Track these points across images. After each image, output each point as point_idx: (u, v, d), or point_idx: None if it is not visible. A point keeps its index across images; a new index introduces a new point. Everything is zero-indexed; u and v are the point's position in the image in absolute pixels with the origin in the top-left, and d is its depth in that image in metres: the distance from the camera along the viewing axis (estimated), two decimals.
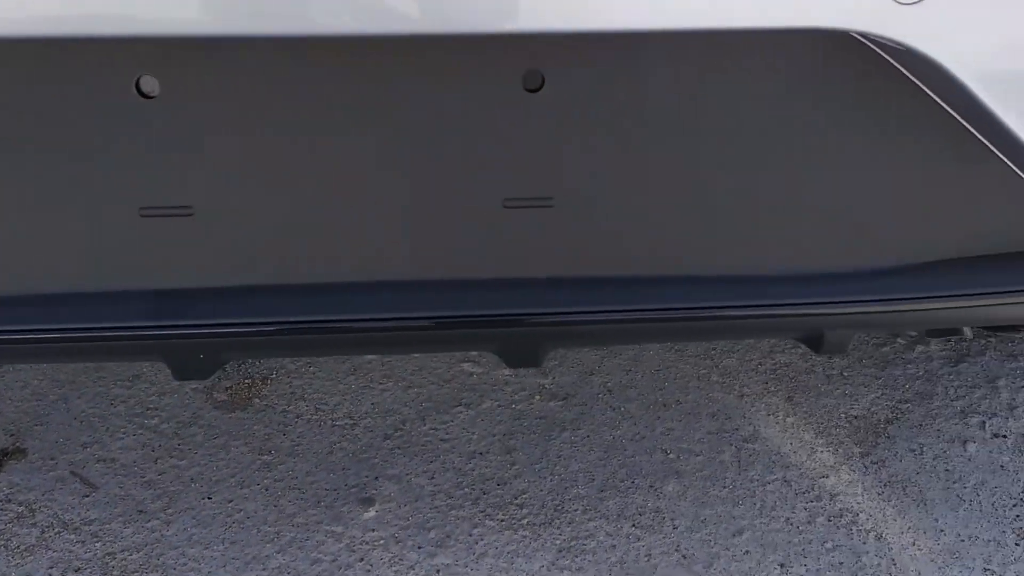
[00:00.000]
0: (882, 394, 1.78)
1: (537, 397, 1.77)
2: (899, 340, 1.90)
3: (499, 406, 1.75)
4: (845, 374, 1.82)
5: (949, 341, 1.91)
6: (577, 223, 0.92)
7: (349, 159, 0.90)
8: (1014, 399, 1.75)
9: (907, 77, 0.81)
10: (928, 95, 0.83)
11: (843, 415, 1.73)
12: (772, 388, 1.79)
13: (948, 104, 0.83)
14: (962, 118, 0.83)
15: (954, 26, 0.77)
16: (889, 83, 0.83)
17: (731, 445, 1.67)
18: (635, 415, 1.73)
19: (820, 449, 1.66)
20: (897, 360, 1.86)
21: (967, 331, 1.24)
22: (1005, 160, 0.88)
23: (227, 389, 1.78)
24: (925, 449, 1.66)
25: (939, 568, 1.45)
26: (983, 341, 1.89)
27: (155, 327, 0.89)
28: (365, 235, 0.91)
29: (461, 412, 1.74)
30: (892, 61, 0.81)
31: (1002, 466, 1.62)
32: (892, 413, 1.74)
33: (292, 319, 0.89)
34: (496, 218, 0.92)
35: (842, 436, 1.69)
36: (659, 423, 1.71)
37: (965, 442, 1.67)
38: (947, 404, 1.75)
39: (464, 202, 0.91)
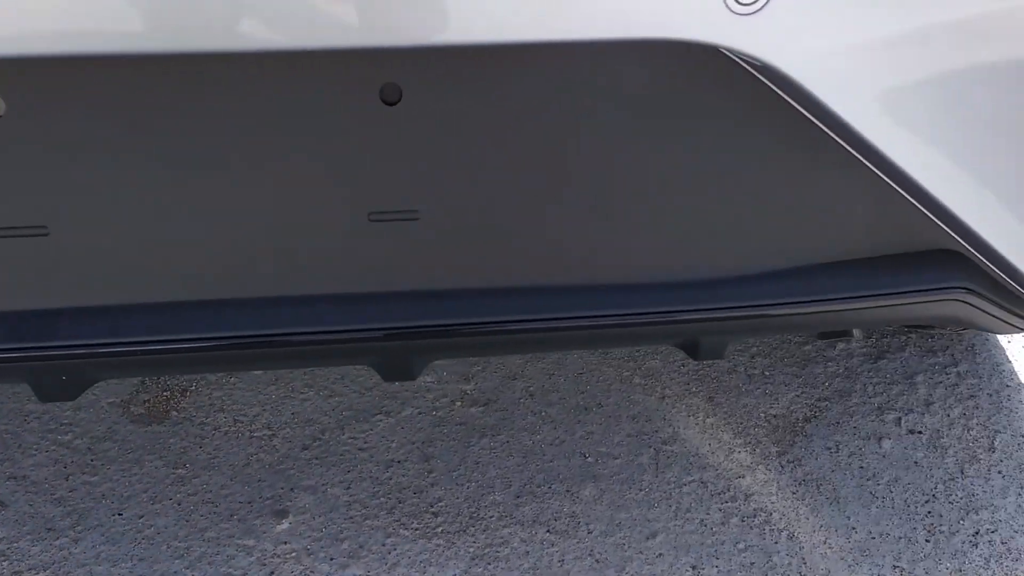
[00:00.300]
0: (802, 392, 1.79)
1: (458, 403, 1.77)
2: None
3: (419, 413, 1.74)
4: (767, 373, 1.83)
5: (871, 338, 1.92)
6: (444, 235, 0.92)
7: (209, 174, 0.89)
8: (931, 395, 1.77)
9: (755, 85, 0.81)
10: (779, 101, 0.83)
11: (762, 414, 1.74)
12: (694, 389, 1.80)
13: (798, 110, 0.83)
14: (813, 123, 0.83)
15: (794, 33, 0.77)
16: (739, 91, 0.83)
17: (650, 447, 1.67)
18: (556, 419, 1.73)
19: (738, 449, 1.67)
20: (818, 358, 1.87)
21: (856, 332, 1.24)
22: (865, 163, 0.88)
23: (145, 402, 1.76)
24: (841, 447, 1.67)
25: (849, 566, 1.46)
26: (903, 338, 1.91)
27: (15, 349, 0.88)
28: (227, 251, 0.90)
29: (381, 420, 1.73)
30: (740, 70, 0.81)
31: (916, 462, 1.63)
32: (811, 411, 1.75)
33: (152, 338, 0.88)
34: (362, 232, 0.91)
35: (760, 435, 1.69)
36: (579, 427, 1.71)
37: (880, 439, 1.68)
38: (865, 401, 1.76)
39: (329, 216, 0.91)
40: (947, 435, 1.68)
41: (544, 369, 1.84)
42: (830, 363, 1.85)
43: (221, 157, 0.88)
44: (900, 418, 1.72)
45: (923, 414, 1.73)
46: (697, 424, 1.72)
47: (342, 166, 0.89)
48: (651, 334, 0.97)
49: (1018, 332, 1.14)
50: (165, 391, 1.78)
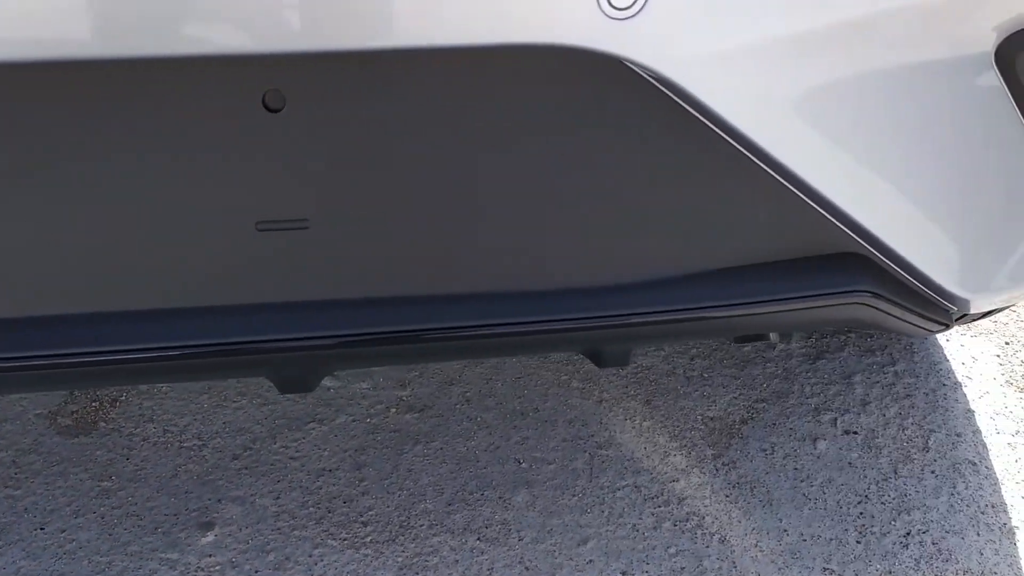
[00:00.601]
0: (740, 394, 1.78)
1: (393, 410, 1.75)
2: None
3: (353, 421, 1.72)
4: (705, 375, 1.83)
5: (810, 338, 1.92)
6: (336, 244, 0.90)
7: (93, 184, 0.87)
8: (868, 394, 1.77)
9: (643, 90, 0.80)
10: (668, 106, 0.81)
11: (700, 417, 1.73)
12: (632, 392, 1.78)
13: (686, 114, 0.82)
14: (702, 128, 0.82)
15: (674, 36, 0.76)
16: (629, 97, 0.82)
17: (585, 452, 1.66)
18: (491, 425, 1.71)
19: (674, 452, 1.66)
20: (757, 359, 1.86)
21: (773, 336, 1.24)
22: (761, 167, 0.87)
23: (72, 413, 1.73)
24: (776, 448, 1.66)
25: (779, 569, 1.46)
26: (843, 337, 1.90)
27: None
28: (111, 264, 0.87)
29: (314, 428, 1.70)
30: (628, 75, 0.79)
31: (850, 463, 1.63)
32: (748, 413, 1.74)
33: (35, 352, 0.86)
34: (250, 242, 0.89)
35: (696, 438, 1.69)
36: (515, 432, 1.70)
37: (816, 440, 1.68)
38: (802, 402, 1.76)
39: (215, 227, 0.88)
40: (882, 435, 1.68)
41: (482, 374, 1.82)
42: (769, 364, 1.85)
43: (102, 168, 0.86)
44: (836, 418, 1.72)
45: (859, 414, 1.73)
46: (634, 428, 1.71)
47: (227, 176, 0.87)
48: (549, 342, 0.95)
49: (925, 335, 1.14)
50: (94, 402, 1.75)
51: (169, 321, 0.89)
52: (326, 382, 1.80)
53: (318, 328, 0.91)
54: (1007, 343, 1.90)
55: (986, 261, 1.02)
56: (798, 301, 0.97)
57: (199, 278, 0.89)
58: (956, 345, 1.89)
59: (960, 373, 1.82)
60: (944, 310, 1.07)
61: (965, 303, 1.07)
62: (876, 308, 1.00)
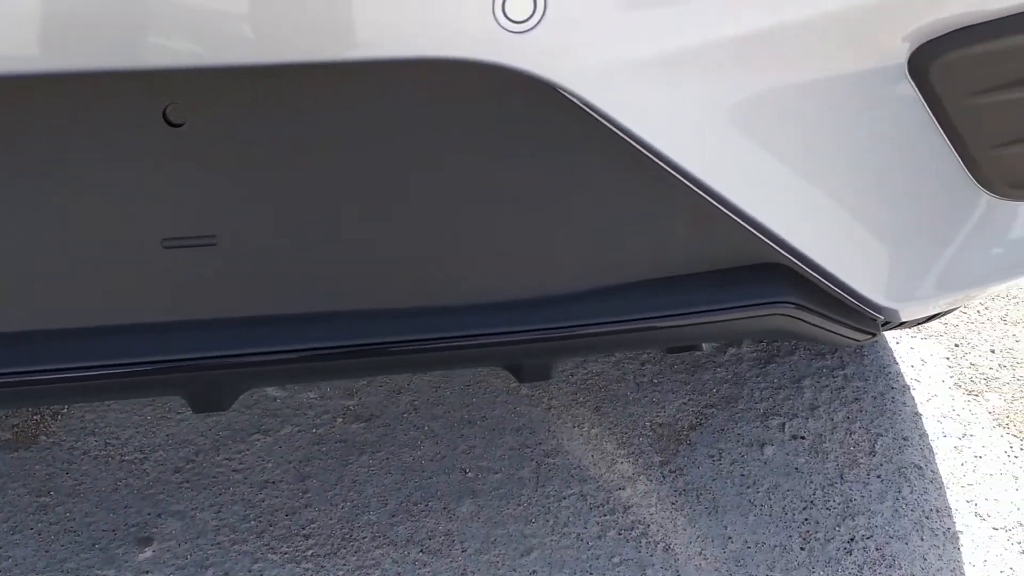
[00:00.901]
0: (689, 400, 1.77)
1: (340, 420, 1.73)
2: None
3: (299, 431, 1.70)
4: (655, 381, 1.82)
5: (762, 342, 1.92)
6: (245, 260, 0.88)
7: None
8: (816, 399, 1.77)
9: (552, 103, 0.79)
10: (577, 119, 0.80)
11: (648, 423, 1.72)
12: (581, 399, 1.77)
13: (596, 127, 0.80)
14: (613, 140, 0.81)
15: (575, 49, 0.75)
16: (538, 110, 0.80)
17: (532, 461, 1.64)
18: (438, 434, 1.70)
19: (621, 460, 1.65)
20: (707, 364, 1.86)
21: (705, 346, 1.23)
22: (675, 179, 0.86)
23: (13, 427, 1.70)
24: (723, 454, 1.66)
25: None
26: (793, 341, 1.90)
27: None
28: (15, 283, 0.86)
29: (259, 440, 1.68)
30: (536, 88, 0.78)
31: (797, 468, 1.63)
32: (696, 419, 1.73)
33: None
34: (156, 259, 0.87)
35: (644, 445, 1.68)
36: (462, 441, 1.68)
37: (763, 445, 1.67)
38: (751, 407, 1.75)
39: (120, 245, 0.87)
40: (829, 439, 1.68)
41: (430, 382, 1.81)
42: (719, 368, 1.84)
43: (2, 186, 0.84)
44: (784, 423, 1.72)
45: (807, 419, 1.72)
46: (582, 435, 1.70)
47: (132, 191, 0.85)
48: (466, 358, 0.94)
49: (852, 344, 1.13)
50: (35, 415, 1.73)
51: (74, 341, 0.88)
52: (272, 392, 1.78)
53: (228, 346, 0.90)
54: (957, 345, 1.90)
55: (910, 270, 1.02)
56: (720, 313, 0.96)
57: (106, 297, 0.88)
58: (906, 347, 1.89)
59: (909, 376, 1.82)
60: (871, 319, 1.06)
61: (893, 312, 1.07)
62: (799, 319, 0.99)
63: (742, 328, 0.99)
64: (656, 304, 0.93)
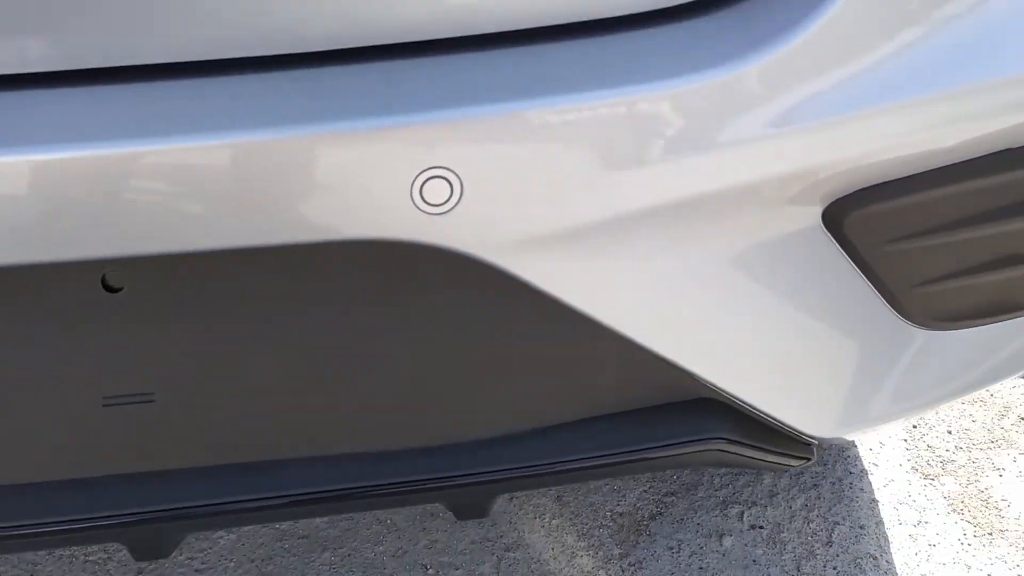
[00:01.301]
0: (650, 487, 1.79)
1: None
2: None
3: (262, 527, 1.71)
4: None
5: None
6: (181, 416, 0.90)
7: None
8: (775, 485, 1.79)
9: (469, 270, 0.82)
10: (500, 285, 0.83)
11: (608, 513, 1.74)
12: (543, 488, 1.79)
13: (519, 290, 0.84)
14: (535, 301, 0.84)
15: (492, 225, 0.78)
16: (457, 277, 0.84)
17: (493, 555, 1.66)
18: (401, 528, 1.71)
19: (581, 553, 1.67)
20: None
21: None
22: (600, 329, 0.89)
23: None
24: (683, 546, 1.67)
25: None
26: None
27: None
28: None
29: (222, 537, 1.70)
30: (457, 260, 0.81)
31: (755, 560, 1.65)
32: (657, 507, 1.75)
33: None
34: (97, 418, 0.90)
35: (604, 536, 1.70)
36: (424, 535, 1.70)
37: (722, 536, 1.69)
38: (711, 494, 1.77)
39: (62, 405, 0.89)
40: (787, 529, 1.70)
41: None
42: None
43: None
44: (743, 512, 1.74)
45: (766, 507, 1.75)
46: (543, 527, 1.71)
47: (73, 354, 0.88)
48: (403, 500, 0.96)
49: (780, 470, 1.16)
50: None
51: (13, 497, 0.90)
52: None
53: (168, 499, 0.92)
54: (914, 426, 1.93)
55: (847, 403, 1.05)
56: (648, 451, 0.98)
57: (51, 453, 0.90)
58: None
59: (867, 460, 1.85)
60: (805, 444, 1.09)
61: (830, 440, 1.09)
62: (731, 452, 1.02)
63: (673, 463, 1.02)
64: (584, 446, 0.96)
